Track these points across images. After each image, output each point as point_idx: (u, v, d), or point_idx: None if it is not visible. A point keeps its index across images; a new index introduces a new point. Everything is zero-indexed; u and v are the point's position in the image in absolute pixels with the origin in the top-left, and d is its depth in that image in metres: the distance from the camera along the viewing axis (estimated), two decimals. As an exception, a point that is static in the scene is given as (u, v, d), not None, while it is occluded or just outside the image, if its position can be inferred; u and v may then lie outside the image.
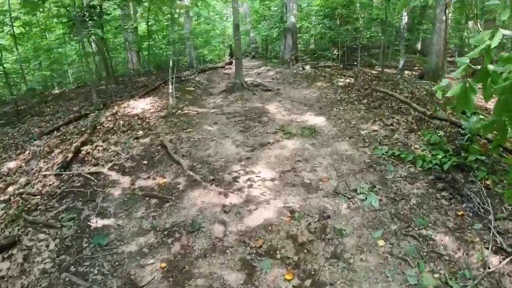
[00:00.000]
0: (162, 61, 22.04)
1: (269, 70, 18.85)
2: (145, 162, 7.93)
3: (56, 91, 19.38)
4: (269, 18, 21.37)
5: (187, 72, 18.90)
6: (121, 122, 10.52)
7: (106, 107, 12.79)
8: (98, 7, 15.51)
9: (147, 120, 10.51)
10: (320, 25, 18.63)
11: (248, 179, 6.91)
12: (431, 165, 6.90)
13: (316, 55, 18.27)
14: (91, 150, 8.75)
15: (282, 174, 7.04)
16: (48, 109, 14.50)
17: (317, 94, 12.45)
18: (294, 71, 17.04)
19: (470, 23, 23.89)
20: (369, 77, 14.74)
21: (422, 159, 7.08)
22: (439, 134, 8.10)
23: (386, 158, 7.38)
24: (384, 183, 6.63)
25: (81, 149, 8.77)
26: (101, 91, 15.92)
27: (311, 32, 19.89)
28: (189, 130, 9.62)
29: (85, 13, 15.02)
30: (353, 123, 9.33)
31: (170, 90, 11.13)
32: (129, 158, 8.16)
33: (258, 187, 6.67)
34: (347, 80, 14.04)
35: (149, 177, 7.33)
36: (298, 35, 20.39)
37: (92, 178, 7.40)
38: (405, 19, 15.64)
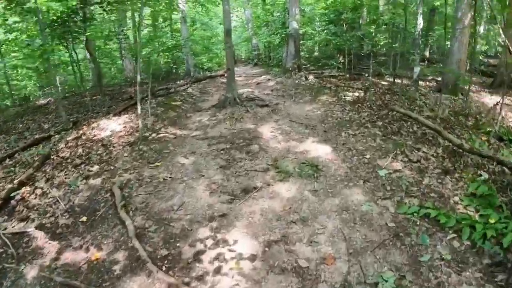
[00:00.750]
0: (158, 68, 19.66)
1: (269, 79, 16.37)
2: (84, 218, 5.50)
3: (42, 101, 17.14)
4: (271, 24, 18.86)
5: (181, 81, 16.51)
6: (80, 150, 8.15)
7: (76, 126, 10.43)
8: (81, 12, 13.25)
9: (111, 148, 8.13)
10: (325, 31, 16.09)
11: (217, 257, 4.45)
12: (484, 241, 4.41)
13: (320, 63, 15.79)
14: (27, 195, 6.38)
15: (267, 248, 4.56)
16: (21, 125, 12.18)
17: (321, 112, 9.95)
18: (296, 81, 14.55)
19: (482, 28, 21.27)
20: (381, 90, 12.25)
21: (470, 226, 4.59)
22: (485, 179, 5.60)
23: (418, 222, 4.88)
24: (417, 270, 4.16)
25: (17, 192, 6.43)
26: (82, 104, 13.62)
27: (315, 39, 17.32)
28: (156, 164, 7.17)
29: (66, 18, 12.72)
30: (367, 156, 6.82)
31: (139, 111, 8.65)
32: (67, 211, 5.75)
33: (229, 271, 4.22)
34: (356, 94, 11.54)
35: (81, 247, 4.90)
36: (301, 41, 17.88)
37: (9, 243, 5.05)
38: (420, 24, 13.08)
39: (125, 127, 9.59)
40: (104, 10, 14.23)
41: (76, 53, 15.53)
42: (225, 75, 20.54)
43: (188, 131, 9.08)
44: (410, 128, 8.20)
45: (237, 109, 10.41)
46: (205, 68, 21.81)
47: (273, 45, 20.61)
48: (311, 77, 14.46)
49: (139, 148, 7.93)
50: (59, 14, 12.35)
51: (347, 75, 14.71)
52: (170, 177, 6.62)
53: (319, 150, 7.21)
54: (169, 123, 9.87)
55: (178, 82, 16.42)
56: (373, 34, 13.90)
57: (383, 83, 14.33)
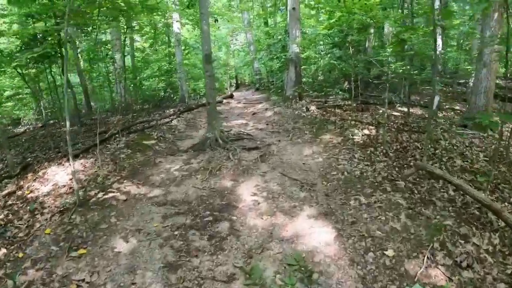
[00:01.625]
0: (150, 95, 17.24)
1: (267, 109, 13.84)
2: None
3: (20, 129, 14.84)
4: (271, 47, 16.34)
5: (170, 110, 14.03)
6: (1, 216, 5.65)
7: (23, 172, 7.95)
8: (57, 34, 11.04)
9: (38, 216, 5.60)
10: (329, 55, 13.52)
11: None
12: None
13: (324, 92, 13.21)
14: None
15: None
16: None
17: (323, 159, 7.32)
18: (297, 112, 11.98)
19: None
20: (395, 125, 9.63)
21: None
22: None
23: None
24: None
25: None
26: (54, 136, 11.25)
27: (319, 63, 14.74)
28: (80, 252, 4.59)
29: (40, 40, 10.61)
30: (389, 254, 4.13)
31: (72, 168, 6.10)
32: None
33: None
34: (366, 131, 8.91)
35: None
36: (303, 66, 15.30)
37: None
38: (439, 46, 10.50)
39: (71, 179, 7.06)
40: (83, 32, 11.97)
41: (53, 77, 13.27)
42: (224, 101, 18.14)
43: (147, 189, 6.49)
44: (444, 191, 5.53)
45: (218, 154, 7.84)
46: (202, 94, 19.32)
47: (273, 70, 18.11)
48: (313, 107, 11.86)
49: (69, 220, 5.37)
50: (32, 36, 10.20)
51: (354, 104, 12.11)
52: (87, 282, 4.03)
53: (317, 237, 4.53)
54: (129, 173, 7.30)
55: (167, 111, 13.95)
56: (387, 58, 11.26)
57: (395, 113, 11.70)
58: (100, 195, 6.30)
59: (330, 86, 13.96)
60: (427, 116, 11.46)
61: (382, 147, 7.54)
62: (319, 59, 15.70)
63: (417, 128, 9.56)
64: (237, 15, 23.91)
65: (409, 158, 6.96)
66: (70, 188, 6.71)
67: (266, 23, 21.38)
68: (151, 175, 7.20)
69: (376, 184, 5.85)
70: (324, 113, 11.35)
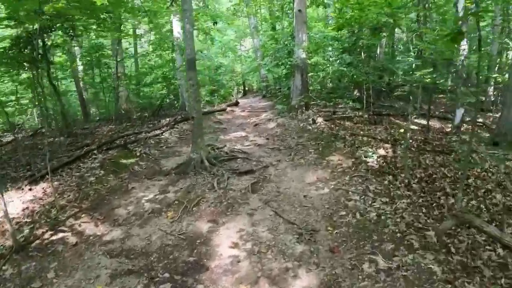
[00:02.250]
0: (148, 103, 15.78)
1: (270, 119, 12.23)
2: None
3: (9, 138, 13.48)
4: (277, 52, 14.70)
5: (166, 120, 12.52)
6: None
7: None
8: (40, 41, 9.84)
9: None
10: (338, 61, 11.86)
11: None
12: None
13: (332, 102, 11.57)
14: None
15: None
16: None
17: (329, 190, 5.70)
18: (302, 124, 10.35)
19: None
20: (414, 143, 7.97)
21: None
22: None
23: None
24: None
25: None
26: (34, 149, 9.88)
27: (327, 70, 13.08)
28: None
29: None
30: None
31: (4, 206, 4.61)
32: None
33: None
34: (381, 151, 7.26)
35: None
36: (310, 73, 13.66)
37: None
38: (465, 50, 8.80)
39: (26, 208, 5.60)
40: (69, 36, 10.53)
41: (40, 84, 11.87)
42: (227, 109, 16.57)
43: (106, 228, 4.96)
44: (491, 250, 3.88)
45: (201, 180, 6.26)
46: (205, 101, 17.78)
47: (279, 76, 16.49)
48: (320, 119, 10.21)
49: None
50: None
51: (366, 116, 10.45)
52: None
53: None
54: (92, 204, 5.80)
55: (163, 120, 12.44)
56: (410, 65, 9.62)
57: (413, 127, 10.03)
58: (48, 235, 4.83)
59: (339, 95, 12.31)
60: (448, 130, 9.78)
61: (403, 174, 5.88)
62: (327, 65, 14.06)
63: (440, 147, 7.87)
64: (243, 20, 22.44)
65: (438, 193, 5.29)
66: (18, 223, 5.24)
67: (273, 28, 19.80)
68: (118, 206, 5.67)
69: (398, 235, 4.20)
70: (332, 126, 9.71)
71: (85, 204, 5.88)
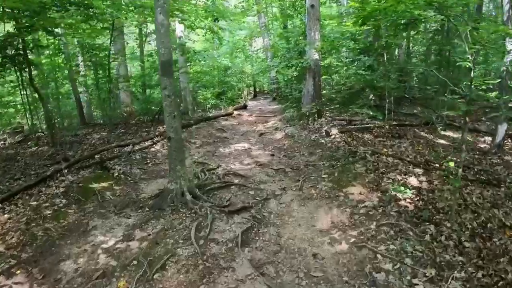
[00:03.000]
0: (147, 108, 14.13)
1: (278, 128, 10.48)
2: None
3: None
4: (287, 52, 12.87)
5: (163, 128, 10.88)
6: None
7: None
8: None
9: None
10: (356, 63, 10.04)
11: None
12: None
13: (348, 109, 9.77)
14: None
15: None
16: None
17: (348, 247, 3.92)
18: (314, 136, 8.59)
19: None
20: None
21: None
22: None
23: None
24: None
25: None
26: (10, 161, 8.45)
27: (342, 73, 11.22)
28: None
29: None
30: None
31: None
32: None
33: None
34: (414, 180, 5.45)
35: None
36: (323, 77, 11.84)
37: None
38: (510, 54, 6.92)
39: None
40: (51, 34, 8.92)
41: (24, 86, 10.39)
42: (234, 113, 14.85)
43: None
44: None
45: (177, 224, 4.52)
46: (210, 105, 16.08)
47: (290, 78, 14.68)
48: (334, 131, 8.40)
49: None
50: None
51: (387, 126, 8.61)
52: None
53: None
54: (35, 253, 4.20)
55: (158, 128, 10.79)
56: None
57: (441, 142, 8.21)
58: None
59: (356, 102, 10.51)
60: (484, 146, 7.90)
61: (448, 223, 4.09)
62: (342, 67, 12.25)
63: (484, 174, 6.04)
64: (253, 19, 20.69)
65: (502, 259, 3.50)
66: None
67: (284, 27, 17.97)
68: (66, 258, 4.03)
69: None
70: (349, 139, 7.92)
71: (27, 252, 4.24)
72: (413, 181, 5.44)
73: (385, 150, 7.11)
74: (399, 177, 5.58)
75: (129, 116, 13.26)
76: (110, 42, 10.57)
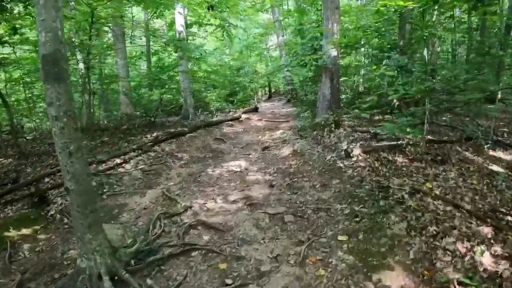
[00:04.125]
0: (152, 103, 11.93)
1: (287, 141, 8.07)
2: None
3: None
4: (300, 49, 10.32)
5: (151, 136, 8.66)
6: None
7: None
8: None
9: None
10: (385, 61, 7.49)
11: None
12: None
13: (372, 118, 7.32)
14: None
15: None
16: None
17: None
18: (329, 156, 6.14)
19: None
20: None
21: None
22: None
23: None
24: None
25: None
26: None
27: (367, 74, 8.63)
28: None
29: None
30: None
31: None
32: None
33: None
34: (488, 260, 2.99)
35: None
36: (342, 78, 9.32)
37: None
38: None
39: None
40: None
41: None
42: (242, 117, 12.45)
43: None
44: None
45: None
46: (215, 108, 13.74)
47: (305, 79, 12.18)
48: (356, 151, 5.94)
49: None
50: None
51: (422, 144, 6.05)
52: None
53: None
54: None
55: (148, 137, 8.57)
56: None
57: (497, 169, 5.62)
58: None
59: (382, 109, 8.02)
60: None
61: None
62: (363, 67, 9.74)
63: None
64: (269, 17, 18.23)
65: None
66: None
67: (301, 25, 15.46)
68: None
69: None
70: (376, 164, 5.47)
71: None
72: (485, 259, 2.99)
73: (428, 185, 4.65)
74: (460, 248, 3.14)
75: (126, 120, 11.12)
76: (90, 38, 8.35)
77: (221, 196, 4.94)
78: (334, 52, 8.00)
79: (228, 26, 16.04)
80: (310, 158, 6.34)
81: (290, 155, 6.83)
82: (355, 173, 5.21)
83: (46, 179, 5.72)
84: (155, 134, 8.81)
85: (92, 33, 8.38)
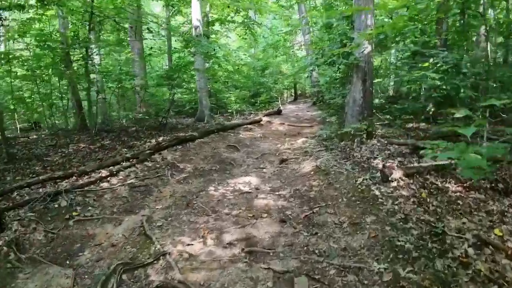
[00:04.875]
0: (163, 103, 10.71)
1: (309, 153, 6.61)
2: None
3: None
4: (328, 45, 8.73)
5: (160, 139, 7.41)
6: None
7: None
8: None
9: None
10: (438, 64, 5.84)
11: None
12: None
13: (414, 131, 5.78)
14: None
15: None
16: None
17: None
18: (361, 178, 4.63)
19: None
20: None
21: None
22: None
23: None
24: None
25: None
26: None
27: (405, 76, 7.01)
28: None
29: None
30: None
31: None
32: None
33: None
34: None
35: None
36: (376, 80, 7.72)
37: None
38: None
39: None
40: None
41: None
42: (262, 120, 10.93)
43: None
44: None
45: None
46: (234, 110, 12.39)
47: (332, 79, 10.60)
48: (397, 173, 4.40)
49: None
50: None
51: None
52: None
53: None
54: None
55: (151, 141, 7.33)
56: None
57: None
58: None
59: (419, 117, 6.44)
60: None
61: None
62: (400, 68, 8.18)
63: None
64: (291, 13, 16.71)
65: None
66: None
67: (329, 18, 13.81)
68: None
69: None
70: (423, 195, 3.95)
71: None
72: None
73: (497, 232, 3.13)
74: None
75: (135, 121, 9.97)
76: (89, 31, 7.17)
77: (215, 233, 3.56)
78: (367, 48, 6.47)
79: (252, 24, 14.68)
80: (337, 178, 4.87)
81: (312, 173, 5.38)
82: (395, 207, 3.72)
83: (15, 193, 4.53)
84: (161, 139, 7.55)
85: (95, 26, 7.21)
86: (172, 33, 11.91)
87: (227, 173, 5.86)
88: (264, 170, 5.94)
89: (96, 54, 8.21)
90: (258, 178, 5.46)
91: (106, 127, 9.26)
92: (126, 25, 10.03)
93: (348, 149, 6.21)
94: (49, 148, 7.52)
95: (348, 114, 6.97)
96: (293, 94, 20.30)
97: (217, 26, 14.52)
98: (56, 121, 9.55)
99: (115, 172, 5.30)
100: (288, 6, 15.14)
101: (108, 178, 5.15)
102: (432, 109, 6.95)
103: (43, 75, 7.93)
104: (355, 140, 6.38)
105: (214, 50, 9.72)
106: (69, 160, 6.30)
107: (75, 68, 8.25)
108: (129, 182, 5.11)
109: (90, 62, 7.39)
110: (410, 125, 7.01)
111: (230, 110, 12.00)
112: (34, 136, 9.10)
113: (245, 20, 13.77)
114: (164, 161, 6.17)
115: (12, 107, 8.99)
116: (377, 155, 5.57)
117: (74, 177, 5.02)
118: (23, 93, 8.96)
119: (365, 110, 6.75)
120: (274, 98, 16.11)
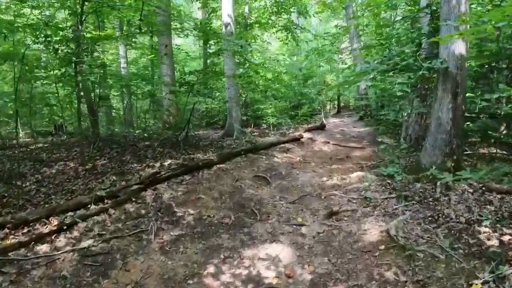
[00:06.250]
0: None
1: (369, 199, 4.15)
2: None
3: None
4: (389, 48, 6.16)
5: (167, 163, 5.26)
6: None
7: None
8: None
9: None
10: None
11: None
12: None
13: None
14: None
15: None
16: None
17: None
18: (478, 283, 2.17)
19: None
20: None
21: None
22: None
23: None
24: None
25: None
26: None
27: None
28: None
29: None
30: None
31: None
32: None
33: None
34: None
35: None
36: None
37: None
38: None
39: None
40: None
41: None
42: (303, 137, 8.39)
43: None
44: None
45: None
46: (270, 124, 10.07)
47: (389, 93, 8.01)
48: None
49: None
50: None
51: None
52: None
53: None
54: None
55: (161, 164, 5.21)
56: None
57: None
58: None
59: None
60: None
61: None
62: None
63: None
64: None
65: None
66: None
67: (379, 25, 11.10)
68: None
69: None
70: None
71: None
72: None
73: None
74: None
75: (170, 126, 7.88)
76: (79, 21, 5.21)
77: None
78: (460, 47, 3.98)
79: (295, 28, 12.38)
80: (428, 268, 2.46)
81: (382, 247, 3.00)
82: None
83: None
84: (168, 163, 5.43)
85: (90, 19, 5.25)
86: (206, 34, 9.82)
87: (245, 232, 3.58)
88: (303, 229, 3.60)
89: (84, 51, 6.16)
90: (292, 249, 3.15)
91: (115, 137, 7.35)
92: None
93: (430, 197, 3.75)
94: (35, 165, 5.65)
95: (428, 143, 4.47)
96: (335, 107, 17.80)
97: (256, 30, 12.40)
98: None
99: (66, 226, 3.18)
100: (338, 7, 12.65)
101: (54, 236, 3.04)
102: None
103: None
104: (438, 184, 3.89)
105: (241, 47, 7.38)
106: (37, 191, 4.34)
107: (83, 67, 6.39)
108: (84, 245, 2.98)
109: (86, 60, 5.44)
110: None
111: (265, 125, 9.74)
112: (39, 145, 7.40)
113: (287, 24, 11.51)
114: (156, 203, 4.01)
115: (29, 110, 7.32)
116: (479, 213, 3.10)
117: (5, 229, 2.96)
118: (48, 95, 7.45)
119: (455, 138, 4.22)
120: (316, 110, 13.68)
